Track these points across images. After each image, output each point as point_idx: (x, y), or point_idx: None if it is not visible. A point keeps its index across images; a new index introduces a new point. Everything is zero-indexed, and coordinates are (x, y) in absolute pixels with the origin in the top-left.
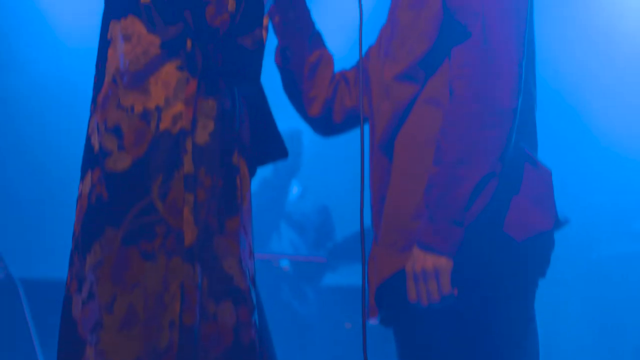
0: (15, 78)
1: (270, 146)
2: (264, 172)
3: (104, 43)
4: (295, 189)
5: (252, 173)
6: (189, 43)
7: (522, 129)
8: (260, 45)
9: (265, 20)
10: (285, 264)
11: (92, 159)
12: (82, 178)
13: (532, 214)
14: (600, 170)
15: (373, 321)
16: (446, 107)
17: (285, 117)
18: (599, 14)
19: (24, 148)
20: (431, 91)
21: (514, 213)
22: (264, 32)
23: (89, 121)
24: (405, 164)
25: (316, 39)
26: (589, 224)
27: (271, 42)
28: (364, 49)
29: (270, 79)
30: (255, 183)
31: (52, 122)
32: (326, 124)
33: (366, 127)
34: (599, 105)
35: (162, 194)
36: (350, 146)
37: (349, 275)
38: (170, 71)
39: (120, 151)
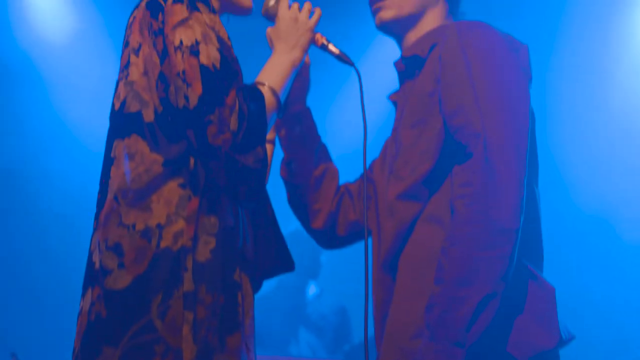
0: (36, 181)
1: (276, 260)
2: None
3: (108, 161)
4: (312, 289)
5: (256, 288)
6: (191, 161)
7: (526, 245)
8: (263, 163)
9: (272, 134)
10: None
11: (93, 276)
12: (83, 295)
13: (535, 332)
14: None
15: None
16: (448, 225)
17: None
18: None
19: (48, 254)
20: (433, 209)
21: (517, 332)
22: (270, 147)
23: (91, 238)
24: (407, 282)
25: (322, 153)
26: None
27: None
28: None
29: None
30: (272, 283)
31: (74, 227)
32: (330, 237)
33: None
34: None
35: (161, 313)
36: None
37: None
38: (172, 189)
39: (120, 269)
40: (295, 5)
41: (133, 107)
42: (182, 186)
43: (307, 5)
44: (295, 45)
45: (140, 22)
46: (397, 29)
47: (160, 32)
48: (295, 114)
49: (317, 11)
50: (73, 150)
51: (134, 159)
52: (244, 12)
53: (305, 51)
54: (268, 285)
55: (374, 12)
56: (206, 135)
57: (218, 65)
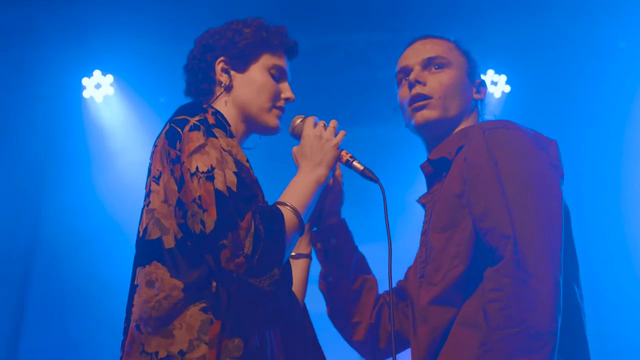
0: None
1: None
2: None
3: (132, 289)
4: None
5: None
6: (214, 284)
7: (569, 345)
8: (277, 286)
9: (308, 248)
10: None
11: None
12: None
13: None
14: None
15: None
16: (482, 330)
17: None
18: None
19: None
20: (468, 314)
21: None
22: (306, 261)
23: None
24: None
25: (359, 264)
26: None
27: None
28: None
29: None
30: None
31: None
32: (372, 349)
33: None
34: None
35: None
36: None
37: None
38: (194, 313)
39: None
40: (321, 124)
41: (154, 234)
42: (204, 310)
43: (332, 123)
44: (321, 162)
45: (161, 150)
46: (436, 130)
47: (178, 159)
48: (330, 226)
49: (342, 131)
50: None
51: (154, 285)
52: (271, 131)
53: (331, 168)
54: None
55: (416, 109)
56: (219, 259)
57: (234, 189)
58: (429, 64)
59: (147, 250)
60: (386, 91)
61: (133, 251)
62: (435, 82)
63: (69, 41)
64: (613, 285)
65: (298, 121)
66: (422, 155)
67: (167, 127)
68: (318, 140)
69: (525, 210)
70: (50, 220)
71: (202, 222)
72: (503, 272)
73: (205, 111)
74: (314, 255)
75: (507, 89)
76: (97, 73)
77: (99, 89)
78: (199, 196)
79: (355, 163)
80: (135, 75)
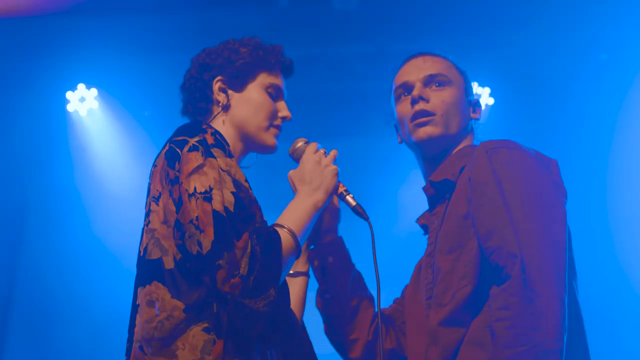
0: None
1: None
2: None
3: (134, 309)
4: None
5: None
6: (215, 305)
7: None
8: (272, 307)
9: (306, 266)
10: None
11: None
12: None
13: None
14: None
15: None
16: (490, 348)
17: None
18: None
19: None
20: (476, 333)
21: None
22: (304, 279)
23: None
24: None
25: (356, 282)
26: None
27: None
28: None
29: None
30: None
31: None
32: None
33: None
34: None
35: None
36: None
37: None
38: (197, 334)
39: None
40: (322, 151)
41: (154, 254)
42: (207, 330)
43: (333, 152)
44: (319, 187)
45: (161, 171)
46: (437, 147)
47: (177, 180)
48: (328, 244)
49: (334, 150)
50: None
51: (155, 305)
52: (269, 150)
53: (329, 194)
54: None
55: (418, 125)
56: (216, 280)
57: (232, 209)
58: (430, 81)
59: (148, 270)
60: (370, 103)
61: (116, 264)
62: (438, 100)
63: (53, 54)
64: (600, 300)
65: (300, 144)
66: (404, 170)
67: (167, 147)
68: (318, 165)
69: (531, 229)
70: (34, 234)
71: (199, 243)
72: (510, 291)
73: (205, 132)
74: (311, 273)
75: (491, 101)
76: (81, 87)
77: (83, 102)
78: (197, 217)
79: (348, 197)
80: (119, 88)
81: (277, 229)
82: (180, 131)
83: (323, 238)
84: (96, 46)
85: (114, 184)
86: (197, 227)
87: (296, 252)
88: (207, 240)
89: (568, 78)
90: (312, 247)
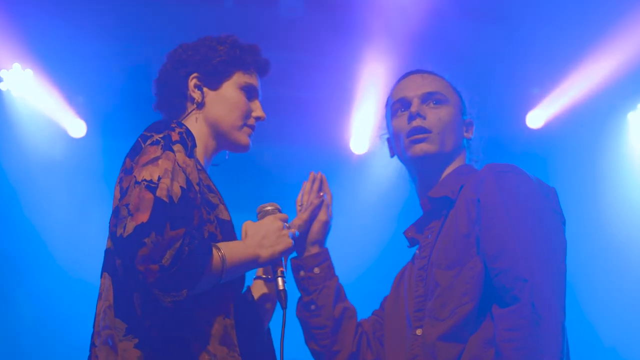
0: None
1: None
2: None
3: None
4: None
5: None
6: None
7: None
8: (177, 306)
9: (281, 283)
10: None
11: None
12: None
13: None
14: None
15: None
16: None
17: None
18: None
19: None
20: (474, 350)
21: None
22: (280, 281)
23: None
24: None
25: (339, 293)
26: None
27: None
28: None
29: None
30: None
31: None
32: None
33: None
34: None
35: None
36: None
37: None
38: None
39: None
40: (285, 218)
41: (108, 243)
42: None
43: (294, 229)
44: (268, 247)
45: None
46: (431, 164)
47: (131, 170)
48: (314, 255)
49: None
50: None
51: (101, 297)
52: (242, 149)
53: (272, 259)
54: None
55: (414, 141)
56: (136, 256)
57: (176, 200)
58: (428, 98)
59: (104, 259)
60: (304, 111)
61: (51, 257)
62: (435, 117)
63: None
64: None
65: (271, 208)
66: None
67: (135, 141)
68: (278, 230)
69: (540, 256)
70: None
71: (125, 227)
72: (520, 314)
73: (172, 129)
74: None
75: None
76: (16, 66)
77: (17, 82)
78: (131, 202)
79: (280, 280)
80: (55, 72)
81: (212, 246)
82: (150, 127)
83: (310, 249)
84: (35, 27)
85: (43, 167)
86: (128, 212)
87: (217, 278)
88: (132, 224)
89: (504, 110)
90: (294, 255)
